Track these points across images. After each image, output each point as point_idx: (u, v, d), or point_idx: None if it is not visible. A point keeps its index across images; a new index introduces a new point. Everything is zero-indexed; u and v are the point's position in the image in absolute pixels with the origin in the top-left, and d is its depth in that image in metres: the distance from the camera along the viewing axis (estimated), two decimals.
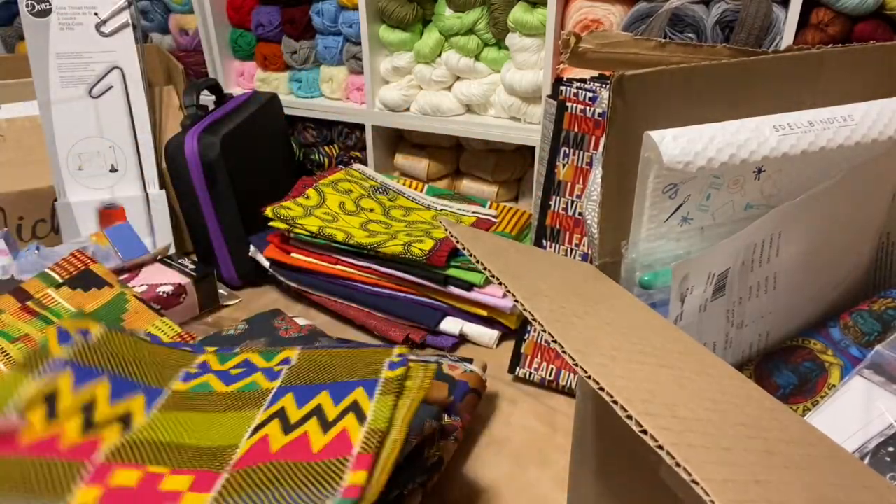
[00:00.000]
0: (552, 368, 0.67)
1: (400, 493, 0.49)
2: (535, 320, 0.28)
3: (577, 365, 0.25)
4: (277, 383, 0.47)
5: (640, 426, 0.22)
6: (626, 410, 0.22)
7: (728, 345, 0.43)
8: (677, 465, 0.20)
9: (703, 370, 0.29)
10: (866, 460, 0.35)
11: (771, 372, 0.44)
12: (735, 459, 0.21)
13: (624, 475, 0.39)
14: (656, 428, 0.21)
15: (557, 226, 0.65)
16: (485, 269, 0.32)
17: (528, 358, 0.68)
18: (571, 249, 0.65)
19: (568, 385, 0.66)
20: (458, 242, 0.35)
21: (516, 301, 0.29)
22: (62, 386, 0.42)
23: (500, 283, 0.31)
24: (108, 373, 0.44)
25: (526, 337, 0.68)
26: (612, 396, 0.23)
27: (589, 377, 0.24)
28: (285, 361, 0.50)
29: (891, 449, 0.35)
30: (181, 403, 0.46)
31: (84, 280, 0.71)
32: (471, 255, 0.34)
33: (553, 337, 0.27)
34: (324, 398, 0.44)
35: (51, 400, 0.40)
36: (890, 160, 0.40)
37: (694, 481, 0.19)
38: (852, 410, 0.37)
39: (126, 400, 0.44)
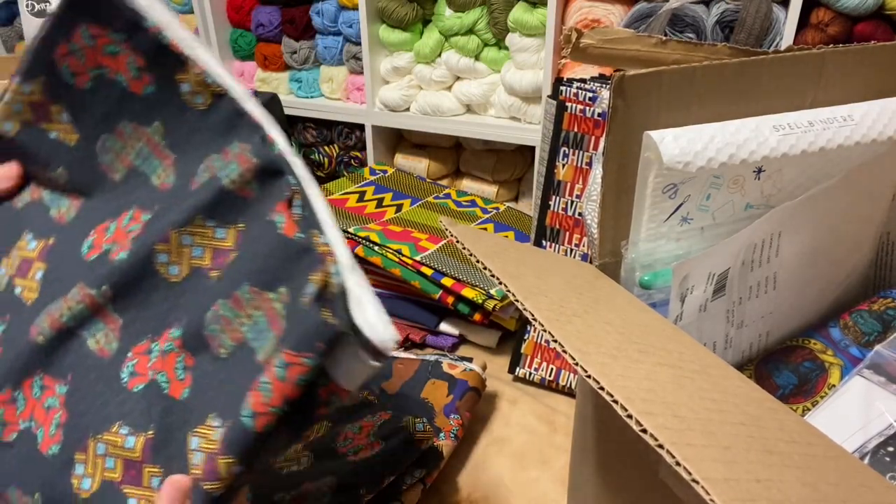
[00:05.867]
0: (552, 368, 0.67)
1: (399, 487, 0.49)
2: (534, 319, 0.28)
3: (577, 364, 0.25)
4: (486, 216, 0.91)
5: (640, 425, 0.22)
6: (626, 409, 0.22)
7: (728, 345, 0.43)
8: (677, 464, 0.20)
9: (703, 370, 0.29)
10: (866, 460, 0.35)
11: (771, 372, 0.44)
12: (735, 458, 0.21)
13: (624, 475, 0.39)
14: (656, 427, 0.21)
15: (557, 226, 0.65)
16: (485, 268, 0.33)
17: (528, 358, 0.68)
18: (571, 249, 0.65)
19: (568, 385, 0.66)
20: (457, 242, 0.36)
21: (516, 300, 0.29)
22: (369, 191, 0.94)
23: (500, 283, 0.31)
24: (395, 190, 0.95)
25: (526, 337, 0.68)
26: (612, 396, 0.23)
27: (589, 376, 0.24)
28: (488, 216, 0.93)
29: (890, 449, 0.35)
30: (430, 205, 0.92)
31: None
32: (471, 255, 0.34)
33: (553, 336, 0.27)
34: None
35: (362, 195, 0.92)
36: (890, 160, 0.40)
37: (694, 480, 0.19)
38: (852, 410, 0.37)
39: (400, 200, 0.92)
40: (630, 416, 0.22)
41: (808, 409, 0.41)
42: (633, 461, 0.37)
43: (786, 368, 0.44)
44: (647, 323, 0.32)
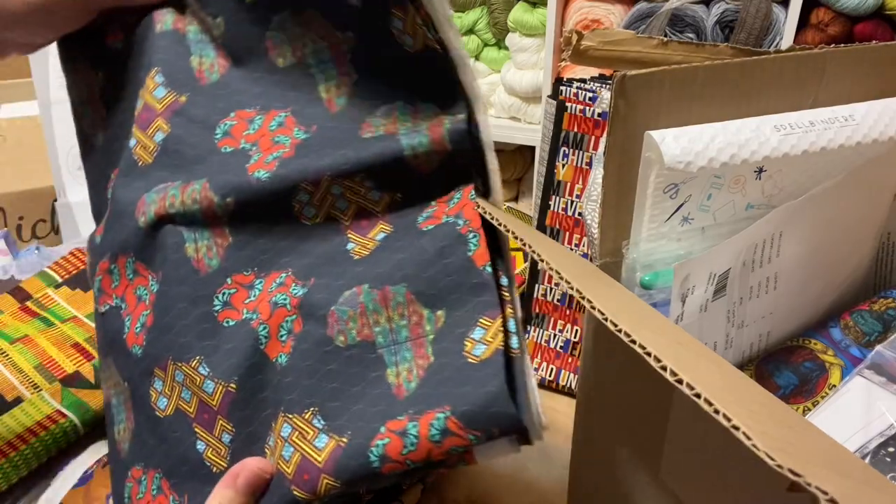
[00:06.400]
0: (552, 368, 0.67)
1: (399, 487, 0.49)
2: (562, 279, 0.28)
3: (606, 320, 0.25)
4: None
5: (676, 375, 0.22)
6: (659, 360, 0.22)
7: (728, 345, 0.43)
8: (716, 411, 0.20)
9: (712, 362, 0.28)
10: (867, 460, 0.35)
11: (771, 372, 0.44)
12: (764, 422, 0.21)
13: (625, 475, 0.39)
14: (691, 379, 0.21)
15: (557, 226, 0.65)
16: (514, 235, 0.32)
17: (524, 349, 0.68)
18: (571, 249, 0.65)
19: (568, 385, 0.66)
20: (485, 213, 0.34)
21: (542, 262, 0.29)
22: None
23: (528, 246, 0.30)
24: None
25: (526, 337, 0.68)
26: (644, 348, 0.23)
27: (620, 330, 0.24)
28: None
29: (891, 449, 0.35)
30: None
31: (84, 280, 0.71)
32: (500, 225, 0.33)
33: (581, 294, 0.27)
34: None
35: None
36: (891, 160, 0.40)
37: (734, 426, 0.20)
38: (853, 411, 0.37)
39: None
40: (665, 368, 0.22)
41: (809, 410, 0.41)
42: (633, 461, 0.37)
43: (786, 368, 0.44)
44: (653, 316, 0.32)
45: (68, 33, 0.42)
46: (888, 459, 0.35)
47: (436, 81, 0.35)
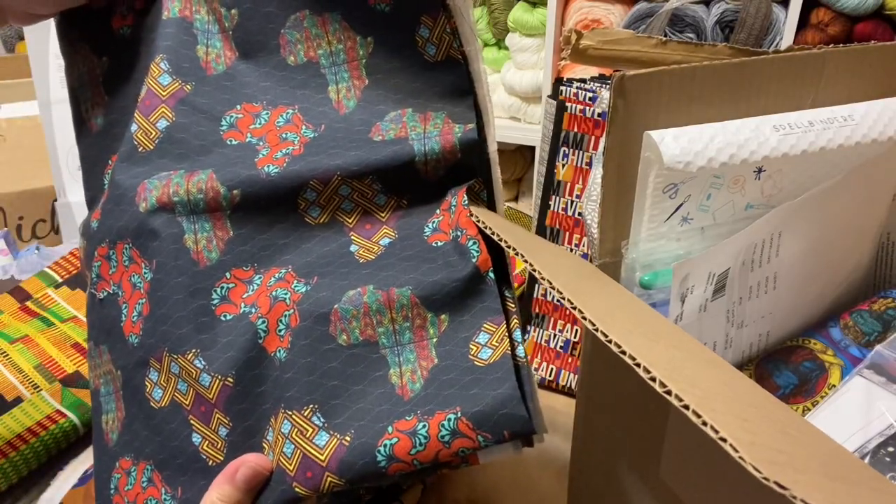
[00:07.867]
0: (552, 368, 0.67)
1: (399, 486, 0.49)
2: (552, 288, 0.28)
3: (597, 330, 0.25)
4: None
5: (665, 386, 0.21)
6: (648, 372, 0.22)
7: (728, 345, 0.43)
8: (704, 423, 0.20)
9: (709, 363, 0.28)
10: (866, 460, 0.35)
11: (771, 372, 0.44)
12: (756, 430, 0.21)
13: (624, 475, 0.39)
14: (680, 390, 0.21)
15: (557, 226, 0.65)
16: (500, 240, 0.32)
17: (528, 358, 0.68)
18: (571, 249, 0.65)
19: (568, 385, 0.66)
20: (478, 221, 0.35)
21: (533, 269, 0.29)
22: None
23: (517, 254, 0.31)
24: None
25: (526, 337, 0.68)
26: (634, 359, 0.23)
27: (610, 341, 0.24)
28: None
29: (891, 449, 0.35)
30: None
31: (84, 280, 0.71)
32: (486, 227, 0.34)
33: (573, 304, 0.26)
34: None
35: None
36: (890, 160, 0.40)
37: (722, 438, 0.19)
38: (852, 410, 0.37)
39: None
40: (654, 379, 0.22)
41: (809, 410, 0.41)
42: (633, 461, 0.37)
43: (786, 368, 0.44)
44: (652, 317, 0.32)
45: (69, 12, 0.41)
46: (888, 459, 0.35)
47: (452, 92, 0.36)
